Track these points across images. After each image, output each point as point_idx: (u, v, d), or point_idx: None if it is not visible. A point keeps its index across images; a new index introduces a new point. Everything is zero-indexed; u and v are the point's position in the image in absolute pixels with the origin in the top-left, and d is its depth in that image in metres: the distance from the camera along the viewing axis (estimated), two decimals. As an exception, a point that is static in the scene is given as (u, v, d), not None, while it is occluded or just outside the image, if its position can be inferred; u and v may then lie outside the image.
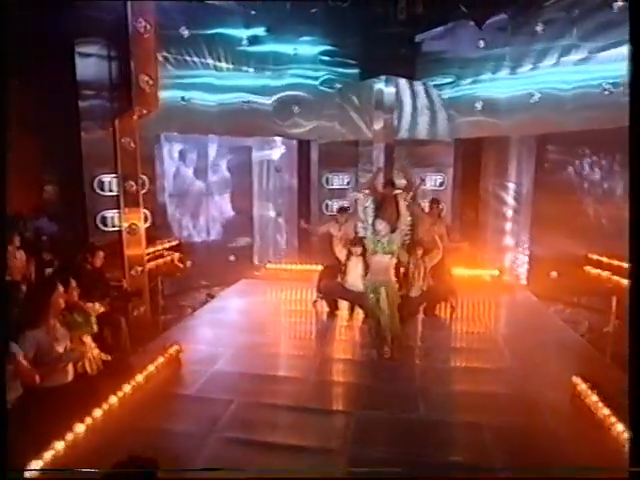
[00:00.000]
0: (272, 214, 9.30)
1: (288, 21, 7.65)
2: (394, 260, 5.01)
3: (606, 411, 3.35)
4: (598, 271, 6.57)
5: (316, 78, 8.29)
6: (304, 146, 9.09)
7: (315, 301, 6.56)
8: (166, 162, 8.20)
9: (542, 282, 7.59)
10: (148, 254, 6.25)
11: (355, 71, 8.47)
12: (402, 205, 4.98)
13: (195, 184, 8.74)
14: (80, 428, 3.16)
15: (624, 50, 4.99)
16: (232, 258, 8.84)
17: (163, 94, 5.99)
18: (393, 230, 5.01)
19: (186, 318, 6.54)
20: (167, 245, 7.14)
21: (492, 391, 4.21)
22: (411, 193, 5.73)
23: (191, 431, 3.45)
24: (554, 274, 7.58)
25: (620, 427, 3.12)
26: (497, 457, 3.18)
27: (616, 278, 6.11)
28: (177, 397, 4.00)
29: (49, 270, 5.25)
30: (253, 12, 7.32)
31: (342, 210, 7.02)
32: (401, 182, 6.48)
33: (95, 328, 3.67)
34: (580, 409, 3.68)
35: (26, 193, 6.04)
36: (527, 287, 7.87)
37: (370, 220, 5.32)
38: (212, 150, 8.76)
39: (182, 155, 8.57)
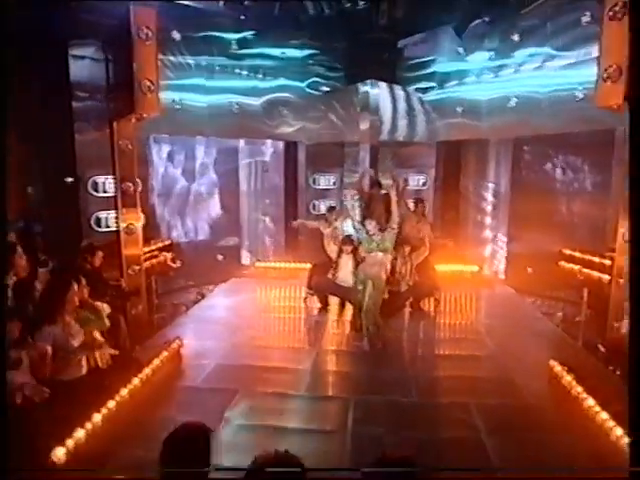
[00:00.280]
0: (260, 214, 9.48)
1: (276, 26, 7.87)
2: (389, 257, 5.29)
3: (579, 389, 3.74)
4: (571, 265, 7.01)
5: (303, 81, 8.53)
6: (291, 147, 9.30)
7: (306, 298, 6.81)
8: (155, 163, 8.30)
9: (519, 277, 7.98)
10: (143, 254, 6.38)
11: (340, 75, 8.76)
12: (394, 205, 5.26)
13: (183, 185, 8.86)
14: (97, 418, 3.34)
15: (593, 59, 5.36)
16: (220, 257, 8.96)
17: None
18: (383, 229, 5.30)
19: (181, 316, 6.70)
20: (160, 245, 7.26)
21: (477, 375, 4.56)
22: (401, 193, 6.01)
23: (202, 419, 3.65)
24: (530, 269, 8.02)
25: (591, 402, 3.50)
26: (484, 433, 3.51)
27: (587, 271, 6.55)
28: (185, 389, 4.21)
29: (42, 270, 5.36)
30: (242, 17, 7.51)
31: (331, 209, 7.30)
32: (387, 182, 6.80)
33: (107, 323, 3.84)
34: (557, 388, 4.07)
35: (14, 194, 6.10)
36: (505, 282, 8.28)
37: (359, 219, 5.60)
38: (200, 151, 8.88)
39: (170, 156, 8.68)
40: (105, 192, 6.28)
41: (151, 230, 7.67)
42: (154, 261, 6.81)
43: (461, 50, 8.04)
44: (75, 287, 3.41)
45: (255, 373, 4.56)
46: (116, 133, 5.59)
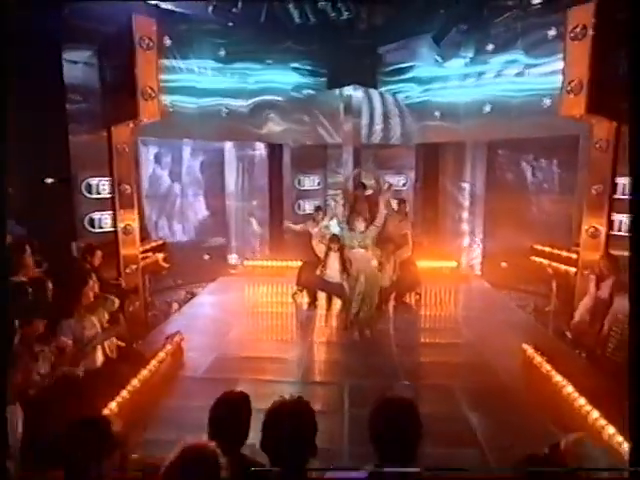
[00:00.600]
0: (246, 214, 9.72)
1: (263, 32, 8.16)
2: (377, 253, 5.68)
3: (548, 367, 4.21)
4: (541, 260, 7.53)
5: (288, 85, 8.83)
6: (277, 149, 9.56)
7: (295, 294, 7.13)
8: (142, 165, 8.47)
9: (494, 271, 8.50)
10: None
11: (324, 79, 9.10)
12: (382, 205, 5.66)
13: (170, 186, 9.04)
14: (113, 405, 3.59)
15: (558, 68, 5.83)
16: (206, 257, 9.17)
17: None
18: (367, 227, 5.69)
19: (175, 313, 6.93)
20: (154, 244, 7.45)
21: (457, 360, 5.01)
22: (388, 194, 6.38)
23: (206, 406, 3.94)
24: (504, 264, 8.54)
25: (559, 377, 3.97)
26: (467, 409, 3.93)
27: (556, 265, 7.08)
28: (189, 379, 4.50)
29: (37, 270, 5.52)
30: (230, 24, 7.77)
31: (318, 209, 7.63)
32: (371, 183, 7.18)
33: (117, 303, 4.07)
34: (529, 368, 4.55)
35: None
36: (482, 276, 8.79)
37: (345, 219, 5.96)
38: (186, 153, 9.08)
39: (157, 158, 8.86)
40: (99, 193, 6.46)
41: (140, 231, 7.84)
42: (148, 261, 7.01)
43: (439, 57, 8.49)
44: (90, 282, 3.65)
45: (253, 364, 4.87)
46: (114, 136, 5.77)
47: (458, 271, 8.67)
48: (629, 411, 2.02)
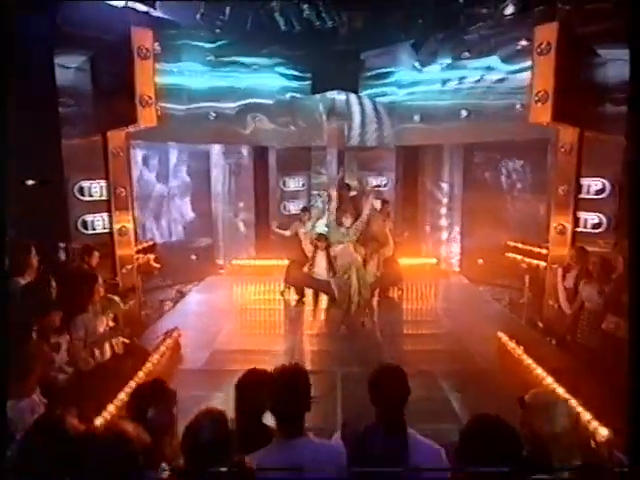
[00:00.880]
0: (232, 215, 9.95)
1: (249, 37, 8.42)
2: (362, 250, 6.05)
3: (520, 351, 4.65)
4: (515, 255, 8.01)
5: (273, 88, 9.09)
6: (262, 151, 9.81)
7: (283, 291, 7.43)
8: (131, 167, 8.61)
9: (472, 267, 8.98)
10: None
11: (308, 83, 9.39)
12: (367, 204, 6.04)
13: (158, 188, 9.20)
14: (122, 395, 3.83)
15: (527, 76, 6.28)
16: (193, 257, 9.38)
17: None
18: (352, 223, 6.07)
19: (168, 311, 7.15)
20: (145, 245, 7.64)
21: (439, 348, 5.42)
22: (371, 195, 6.75)
23: (209, 395, 4.23)
24: (481, 261, 9.02)
25: (529, 360, 4.40)
26: (448, 391, 4.32)
27: (528, 260, 7.57)
28: (191, 371, 4.76)
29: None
30: (218, 30, 8.01)
31: (304, 210, 7.94)
32: (354, 184, 7.55)
33: (123, 306, 4.32)
34: (503, 354, 4.99)
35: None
36: (460, 272, 9.25)
37: (332, 217, 6.30)
38: (173, 155, 9.26)
39: (145, 160, 9.02)
40: (91, 196, 6.63)
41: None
42: (140, 261, 7.20)
43: (417, 64, 8.90)
44: (100, 280, 3.89)
45: (249, 356, 5.13)
46: (110, 141, 5.97)
47: (438, 267, 9.10)
48: (629, 411, 2.07)
